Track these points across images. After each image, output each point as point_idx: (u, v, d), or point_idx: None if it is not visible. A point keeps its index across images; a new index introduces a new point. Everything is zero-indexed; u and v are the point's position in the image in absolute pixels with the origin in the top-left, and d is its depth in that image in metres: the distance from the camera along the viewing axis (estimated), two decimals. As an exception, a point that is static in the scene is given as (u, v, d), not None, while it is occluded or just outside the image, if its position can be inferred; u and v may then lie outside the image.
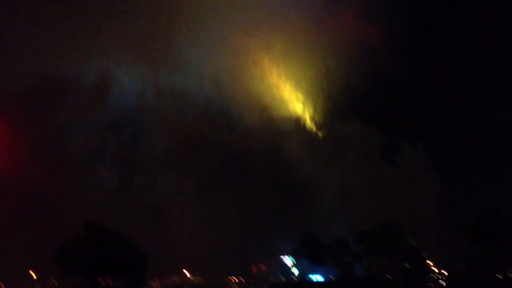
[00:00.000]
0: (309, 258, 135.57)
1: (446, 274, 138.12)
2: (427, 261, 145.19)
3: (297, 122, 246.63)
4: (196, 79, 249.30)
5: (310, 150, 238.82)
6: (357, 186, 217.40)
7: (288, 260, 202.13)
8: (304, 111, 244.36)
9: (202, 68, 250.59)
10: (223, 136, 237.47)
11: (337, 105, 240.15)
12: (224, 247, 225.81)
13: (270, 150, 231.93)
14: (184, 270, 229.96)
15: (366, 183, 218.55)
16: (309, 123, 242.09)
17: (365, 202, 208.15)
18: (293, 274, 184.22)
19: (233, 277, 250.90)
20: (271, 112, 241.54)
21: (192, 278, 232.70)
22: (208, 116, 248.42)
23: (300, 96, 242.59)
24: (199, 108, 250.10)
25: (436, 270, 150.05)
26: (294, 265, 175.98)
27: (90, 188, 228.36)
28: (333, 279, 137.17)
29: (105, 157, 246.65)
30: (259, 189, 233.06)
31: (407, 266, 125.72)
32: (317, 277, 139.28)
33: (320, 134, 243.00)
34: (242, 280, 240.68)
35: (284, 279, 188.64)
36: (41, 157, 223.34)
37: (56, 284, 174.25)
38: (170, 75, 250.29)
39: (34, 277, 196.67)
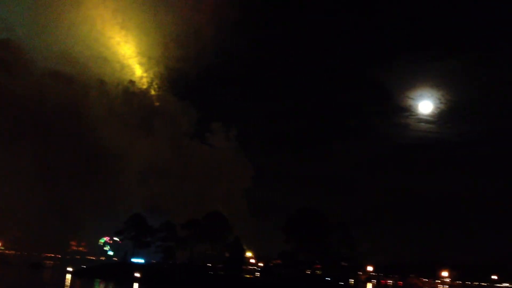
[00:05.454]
0: (133, 240, 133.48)
1: (262, 265, 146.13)
2: (247, 252, 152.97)
3: (106, 87, 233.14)
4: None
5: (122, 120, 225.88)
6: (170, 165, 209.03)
7: (111, 241, 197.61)
8: (118, 77, 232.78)
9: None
10: (17, 84, 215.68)
11: (154, 79, 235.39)
12: (40, 223, 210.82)
13: (71, 110, 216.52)
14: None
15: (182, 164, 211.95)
16: (121, 90, 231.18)
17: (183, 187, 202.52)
18: (116, 254, 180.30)
19: (51, 254, 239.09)
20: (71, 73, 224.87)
21: (6, 251, 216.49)
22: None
23: (110, 61, 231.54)
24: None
25: (254, 261, 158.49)
26: (117, 245, 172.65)
27: None
28: (155, 262, 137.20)
29: None
30: (64, 156, 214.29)
31: (228, 255, 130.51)
32: (138, 260, 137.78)
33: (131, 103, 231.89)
34: (59, 256, 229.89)
35: (104, 259, 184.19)
36: None
37: None
38: None
39: None
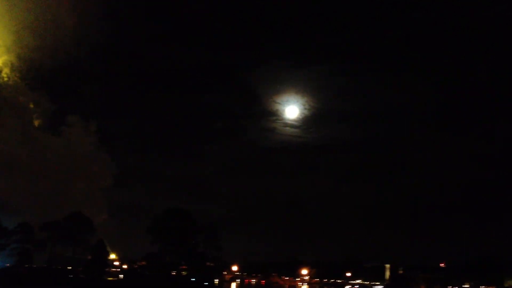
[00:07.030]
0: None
1: (126, 267, 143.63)
2: (111, 254, 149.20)
3: None
4: None
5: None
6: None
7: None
8: None
9: None
10: None
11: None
12: None
13: None
14: None
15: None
16: None
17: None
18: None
19: None
20: None
21: None
22: None
23: None
24: None
25: (118, 264, 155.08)
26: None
27: None
28: (9, 266, 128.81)
29: None
30: None
31: (90, 257, 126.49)
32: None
33: None
34: None
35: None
36: None
37: None
38: None
39: None
